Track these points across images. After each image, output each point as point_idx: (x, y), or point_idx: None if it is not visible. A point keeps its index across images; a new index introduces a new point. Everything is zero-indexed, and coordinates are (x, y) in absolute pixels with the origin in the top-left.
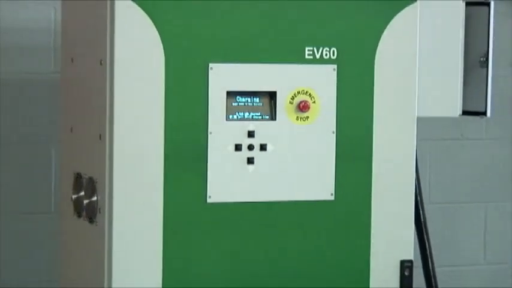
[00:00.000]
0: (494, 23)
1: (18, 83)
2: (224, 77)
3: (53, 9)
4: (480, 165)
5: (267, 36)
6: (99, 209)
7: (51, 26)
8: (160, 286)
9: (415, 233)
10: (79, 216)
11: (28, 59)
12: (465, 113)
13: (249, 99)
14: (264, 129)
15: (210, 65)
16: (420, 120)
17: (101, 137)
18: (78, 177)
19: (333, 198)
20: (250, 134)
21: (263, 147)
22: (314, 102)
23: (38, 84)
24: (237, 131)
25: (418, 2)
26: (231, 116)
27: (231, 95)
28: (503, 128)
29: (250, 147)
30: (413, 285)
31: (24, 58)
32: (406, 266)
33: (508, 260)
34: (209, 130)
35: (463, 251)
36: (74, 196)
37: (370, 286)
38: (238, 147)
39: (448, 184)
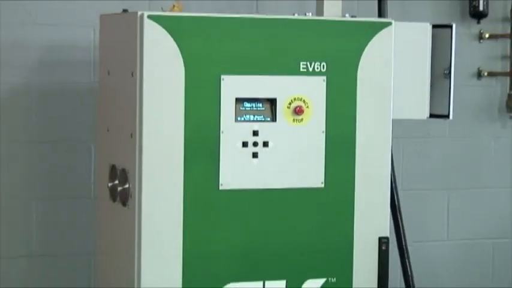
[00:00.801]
0: (455, 42)
1: (64, 92)
2: (234, 86)
3: (92, 30)
4: (443, 159)
5: (269, 53)
6: (131, 194)
7: (91, 44)
8: (181, 253)
9: (391, 214)
10: (114, 200)
11: (72, 71)
12: (432, 115)
13: (254, 105)
14: (266, 129)
15: (222, 76)
16: (395, 122)
17: (132, 135)
18: (113, 168)
19: (322, 186)
20: (255, 133)
21: (265, 144)
22: (307, 107)
23: (80, 92)
24: (244, 130)
25: (393, 24)
26: (239, 118)
27: (239, 101)
28: (463, 128)
29: (255, 144)
30: (389, 258)
31: (69, 71)
32: (383, 242)
33: (467, 236)
34: (221, 129)
35: (429, 229)
36: (109, 184)
37: (354, 258)
38: (245, 144)
39: (417, 174)
